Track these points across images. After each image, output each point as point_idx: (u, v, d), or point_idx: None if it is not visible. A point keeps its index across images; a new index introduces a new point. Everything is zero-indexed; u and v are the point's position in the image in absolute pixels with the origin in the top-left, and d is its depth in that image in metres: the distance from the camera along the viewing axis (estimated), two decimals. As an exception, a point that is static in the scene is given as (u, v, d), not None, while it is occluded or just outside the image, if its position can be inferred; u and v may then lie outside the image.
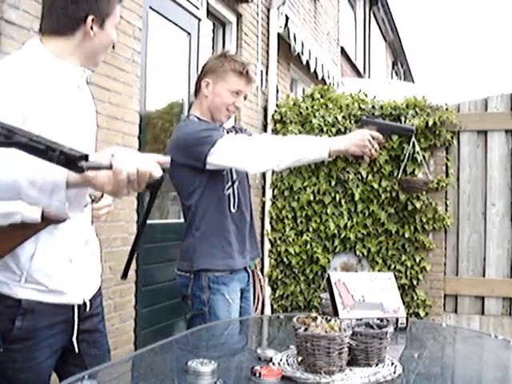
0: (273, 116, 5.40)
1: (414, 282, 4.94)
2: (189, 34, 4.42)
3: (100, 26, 1.76)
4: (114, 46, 1.93)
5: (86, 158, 1.22)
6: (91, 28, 1.74)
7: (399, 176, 4.73)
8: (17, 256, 1.66)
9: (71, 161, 1.20)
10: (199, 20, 4.53)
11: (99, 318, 1.92)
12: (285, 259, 5.23)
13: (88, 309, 1.81)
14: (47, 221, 1.62)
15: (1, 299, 1.66)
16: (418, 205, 4.87)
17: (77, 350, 1.78)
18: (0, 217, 1.58)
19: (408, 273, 4.94)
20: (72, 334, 1.78)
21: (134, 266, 3.47)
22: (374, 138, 2.43)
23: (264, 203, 5.35)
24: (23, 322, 1.66)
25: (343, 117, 5.10)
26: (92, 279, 1.89)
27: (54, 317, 1.72)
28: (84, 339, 1.82)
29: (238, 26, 5.18)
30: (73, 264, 1.77)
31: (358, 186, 5.04)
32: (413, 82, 19.02)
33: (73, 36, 1.74)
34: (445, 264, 4.96)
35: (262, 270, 5.23)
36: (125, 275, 1.83)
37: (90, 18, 1.72)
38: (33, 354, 1.69)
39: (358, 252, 5.06)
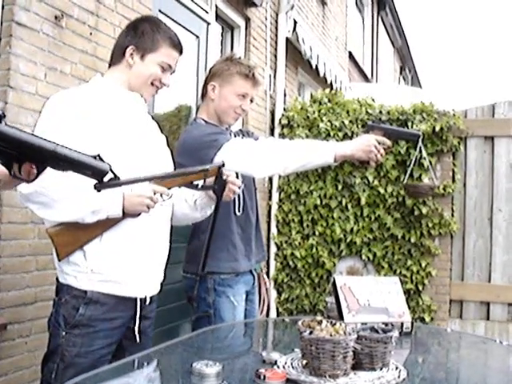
0: (280, 120, 5.41)
1: (420, 287, 4.93)
2: (197, 37, 4.44)
3: (141, 57, 2.04)
4: (166, 85, 2.14)
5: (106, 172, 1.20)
6: (131, 57, 2.03)
7: (406, 181, 4.72)
8: (83, 249, 1.89)
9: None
10: (208, 24, 4.55)
11: (150, 322, 2.12)
12: (290, 263, 5.23)
13: (148, 303, 2.03)
14: (125, 216, 1.89)
15: (68, 290, 1.91)
16: (424, 210, 4.87)
17: (138, 339, 2.00)
18: (89, 214, 1.83)
19: (413, 278, 4.93)
20: (132, 326, 1.99)
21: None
22: (379, 143, 2.44)
23: (270, 207, 5.35)
24: (86, 311, 1.89)
25: (350, 121, 5.11)
26: (155, 279, 2.09)
27: (115, 312, 1.94)
28: (129, 337, 2.00)
29: (246, 29, 5.19)
30: (137, 259, 1.97)
31: (364, 191, 5.04)
32: (420, 87, 18.98)
33: (120, 64, 2.06)
34: (450, 269, 4.95)
35: (267, 273, 5.23)
36: (203, 268, 2.26)
37: (129, 48, 2.02)
38: (91, 341, 1.89)
39: (363, 256, 5.06)
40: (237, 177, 2.58)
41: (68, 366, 1.87)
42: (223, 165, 2.07)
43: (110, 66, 2.13)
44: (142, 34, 2.05)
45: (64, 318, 1.90)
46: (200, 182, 2.06)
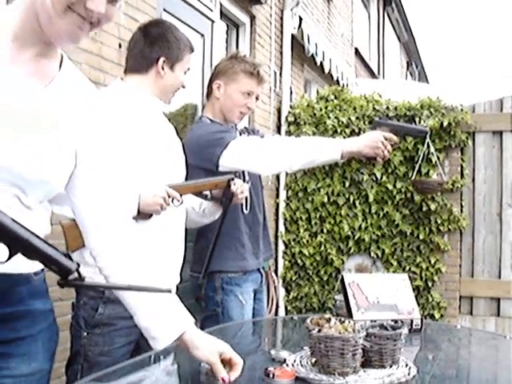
0: (286, 117, 5.40)
1: (429, 284, 4.91)
2: (202, 35, 4.43)
3: (170, 67, 2.10)
4: (184, 86, 2.20)
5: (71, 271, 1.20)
6: (162, 68, 2.08)
7: (414, 177, 4.70)
8: None
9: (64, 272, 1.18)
10: (213, 22, 4.54)
11: None
12: (299, 261, 5.22)
13: None
14: (140, 215, 1.93)
15: (86, 292, 1.95)
16: (432, 206, 4.84)
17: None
18: None
19: (423, 274, 4.91)
20: None
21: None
22: (386, 139, 2.43)
23: (278, 204, 5.34)
24: (105, 310, 1.92)
25: (357, 118, 5.09)
26: (170, 281, 2.11)
27: None
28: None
29: (251, 27, 5.18)
30: (151, 260, 1.90)
31: (372, 187, 5.02)
32: (427, 82, 18.92)
33: (147, 74, 2.10)
34: (460, 265, 4.93)
35: (275, 272, 5.22)
36: (204, 276, 2.32)
37: (161, 59, 2.08)
38: (112, 339, 1.94)
39: (372, 253, 5.04)
40: (243, 174, 2.58)
41: (92, 366, 1.90)
42: (233, 178, 2.14)
43: (129, 71, 2.15)
44: (168, 43, 2.10)
45: (84, 319, 1.94)
46: (208, 193, 2.14)
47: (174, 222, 2.08)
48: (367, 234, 5.02)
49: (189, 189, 2.08)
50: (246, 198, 2.59)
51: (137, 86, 2.10)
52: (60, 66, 1.34)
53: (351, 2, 9.19)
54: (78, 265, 1.16)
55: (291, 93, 5.72)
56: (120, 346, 1.95)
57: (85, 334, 1.93)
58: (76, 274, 1.17)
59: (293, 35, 5.75)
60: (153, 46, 2.10)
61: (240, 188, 2.19)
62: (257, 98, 2.66)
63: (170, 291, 1.25)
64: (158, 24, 2.19)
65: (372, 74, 11.59)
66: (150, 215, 1.97)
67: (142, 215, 1.94)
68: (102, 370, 1.70)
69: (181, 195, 2.03)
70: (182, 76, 2.15)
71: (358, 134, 4.78)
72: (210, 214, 2.30)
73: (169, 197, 1.98)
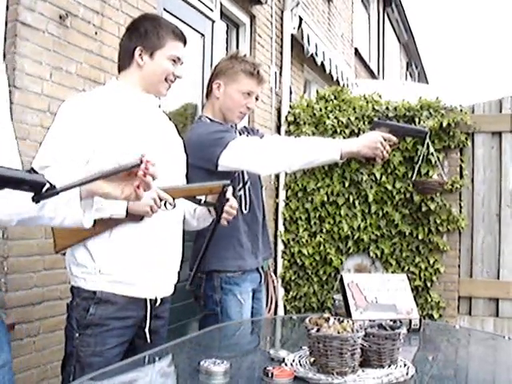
0: (286, 117, 5.40)
1: (428, 284, 4.91)
2: (203, 35, 4.43)
3: (150, 56, 2.06)
4: (180, 77, 2.14)
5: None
6: (141, 58, 2.05)
7: (413, 177, 4.71)
8: (91, 251, 1.91)
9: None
10: (213, 22, 4.54)
11: (162, 322, 2.14)
12: (298, 260, 5.22)
13: (158, 305, 2.04)
14: (130, 217, 1.90)
15: (78, 292, 1.94)
16: (432, 206, 4.84)
17: (149, 340, 2.00)
18: (92, 212, 1.76)
19: (422, 274, 4.91)
20: (144, 327, 2.00)
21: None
22: (385, 140, 2.43)
23: (277, 204, 5.35)
24: (97, 310, 1.91)
25: (357, 118, 5.09)
26: (166, 280, 2.10)
27: (126, 311, 1.95)
28: (142, 336, 2.01)
29: (251, 27, 5.18)
30: (146, 260, 1.97)
31: (371, 188, 5.03)
32: (427, 83, 18.92)
33: (130, 68, 2.08)
34: (459, 266, 4.93)
35: (275, 271, 5.22)
36: (191, 283, 2.28)
37: (137, 49, 2.05)
38: (104, 340, 1.92)
39: (371, 253, 5.04)
40: (242, 173, 2.58)
41: (85, 367, 1.90)
42: (228, 184, 2.10)
43: (119, 70, 2.15)
44: (145, 33, 2.06)
45: (76, 320, 1.93)
46: (202, 198, 2.09)
47: (170, 222, 2.07)
48: (366, 234, 5.02)
49: (182, 192, 2.01)
50: (246, 198, 2.60)
51: (125, 82, 2.08)
52: None
53: (351, 2, 9.19)
54: (43, 175, 1.16)
55: (291, 93, 5.72)
56: (112, 347, 1.94)
57: (77, 335, 1.92)
58: (48, 185, 1.16)
59: (293, 35, 5.76)
60: (130, 38, 2.09)
61: (231, 201, 2.12)
62: (257, 98, 2.66)
63: (140, 162, 1.31)
64: (143, 17, 2.18)
65: (372, 75, 11.59)
66: (142, 217, 1.95)
67: (131, 216, 1.91)
68: (94, 371, 1.70)
69: (173, 199, 1.97)
70: (167, 64, 2.08)
71: (358, 134, 4.78)
72: (199, 217, 2.24)
73: (160, 200, 1.92)
